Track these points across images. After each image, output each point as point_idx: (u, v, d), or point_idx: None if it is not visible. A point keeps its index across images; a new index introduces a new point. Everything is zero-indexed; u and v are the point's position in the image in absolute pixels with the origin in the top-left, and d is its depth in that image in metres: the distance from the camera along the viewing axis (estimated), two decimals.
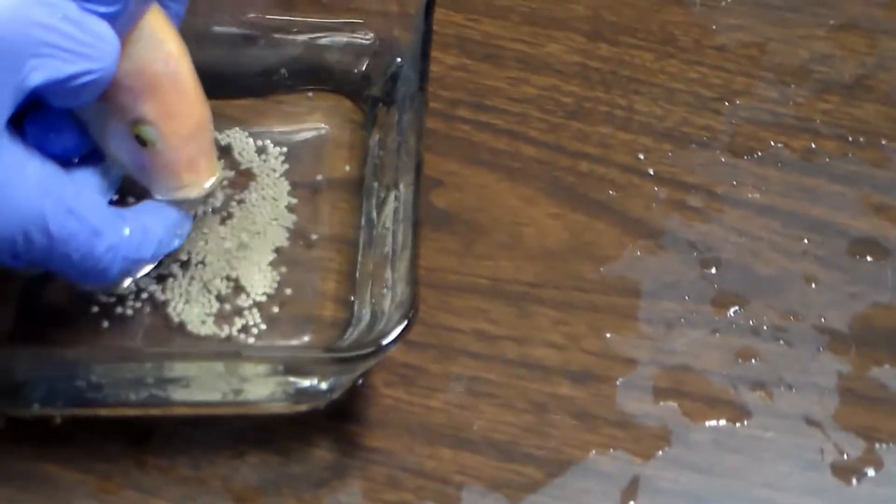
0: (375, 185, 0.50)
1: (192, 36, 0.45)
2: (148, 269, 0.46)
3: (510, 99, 0.56)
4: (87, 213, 0.42)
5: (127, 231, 0.44)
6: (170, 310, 0.48)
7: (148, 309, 0.48)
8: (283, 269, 0.49)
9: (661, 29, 0.58)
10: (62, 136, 0.43)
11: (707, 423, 0.46)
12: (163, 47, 0.43)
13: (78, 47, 0.38)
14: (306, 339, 0.48)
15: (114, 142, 0.44)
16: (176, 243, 0.46)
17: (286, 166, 0.52)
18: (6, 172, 0.39)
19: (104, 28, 0.39)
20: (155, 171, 0.45)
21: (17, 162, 0.39)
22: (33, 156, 0.40)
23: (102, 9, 0.39)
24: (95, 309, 0.48)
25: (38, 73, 0.38)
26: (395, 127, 0.50)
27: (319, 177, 0.52)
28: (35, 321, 0.48)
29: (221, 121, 0.51)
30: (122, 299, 0.48)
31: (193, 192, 0.46)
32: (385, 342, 0.40)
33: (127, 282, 0.48)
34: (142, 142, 0.44)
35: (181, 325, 0.48)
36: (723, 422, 0.46)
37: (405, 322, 0.40)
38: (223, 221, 0.50)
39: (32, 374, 0.45)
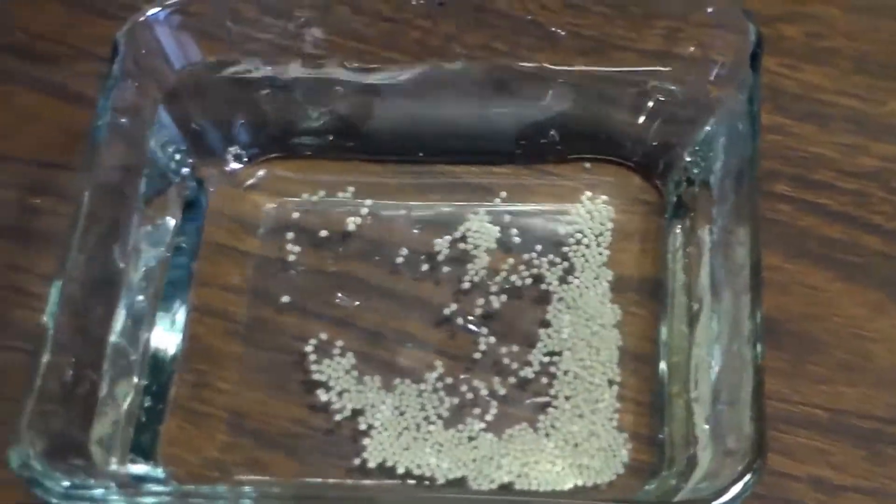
0: (683, 289, 0.43)
1: (431, 83, 0.42)
2: None
3: (843, 172, 0.48)
4: None
5: None
6: None
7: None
8: None
9: None
10: None
11: None
12: None
13: None
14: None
15: None
16: None
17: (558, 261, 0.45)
18: None
19: None
20: None
21: None
22: None
23: None
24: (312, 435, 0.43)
25: None
26: (710, 214, 0.43)
27: (600, 275, 0.45)
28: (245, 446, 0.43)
29: (467, 191, 0.46)
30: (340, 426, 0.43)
31: None
32: (725, 499, 0.34)
33: None
34: None
35: None
36: None
37: (750, 473, 0.34)
38: None
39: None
